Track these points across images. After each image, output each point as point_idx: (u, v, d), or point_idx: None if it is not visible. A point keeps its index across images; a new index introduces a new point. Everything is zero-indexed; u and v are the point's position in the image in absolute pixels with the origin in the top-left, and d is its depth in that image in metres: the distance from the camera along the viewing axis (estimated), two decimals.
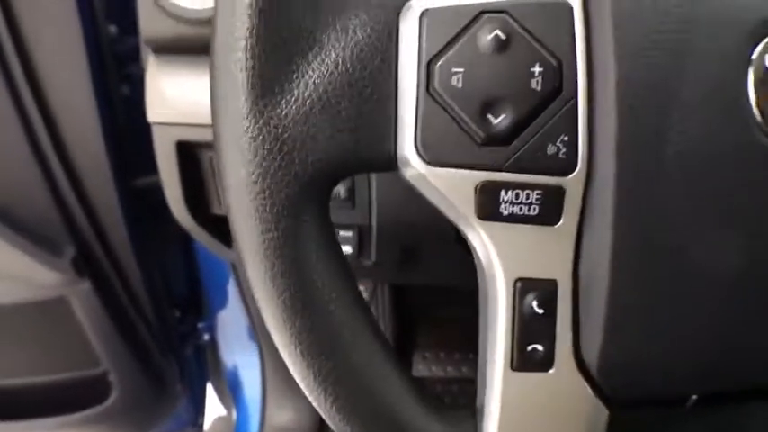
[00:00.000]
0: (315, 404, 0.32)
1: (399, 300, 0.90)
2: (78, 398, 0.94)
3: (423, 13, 0.28)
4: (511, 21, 0.27)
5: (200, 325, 1.00)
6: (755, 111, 0.28)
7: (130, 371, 0.92)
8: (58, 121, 0.74)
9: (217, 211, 0.64)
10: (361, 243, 0.58)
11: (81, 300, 0.85)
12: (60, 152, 0.75)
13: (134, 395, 0.95)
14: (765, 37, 0.28)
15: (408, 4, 0.28)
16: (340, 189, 0.56)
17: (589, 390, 0.31)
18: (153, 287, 0.88)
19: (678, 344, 0.31)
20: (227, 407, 1.07)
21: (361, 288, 0.82)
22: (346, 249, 0.58)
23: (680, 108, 0.28)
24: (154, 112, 0.57)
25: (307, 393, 0.32)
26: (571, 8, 0.28)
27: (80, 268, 0.82)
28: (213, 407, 1.08)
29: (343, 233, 0.58)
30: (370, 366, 0.31)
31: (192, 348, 1.01)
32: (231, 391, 1.05)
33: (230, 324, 1.00)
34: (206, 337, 1.01)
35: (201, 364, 1.05)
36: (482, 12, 0.28)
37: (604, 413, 0.32)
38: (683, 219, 0.29)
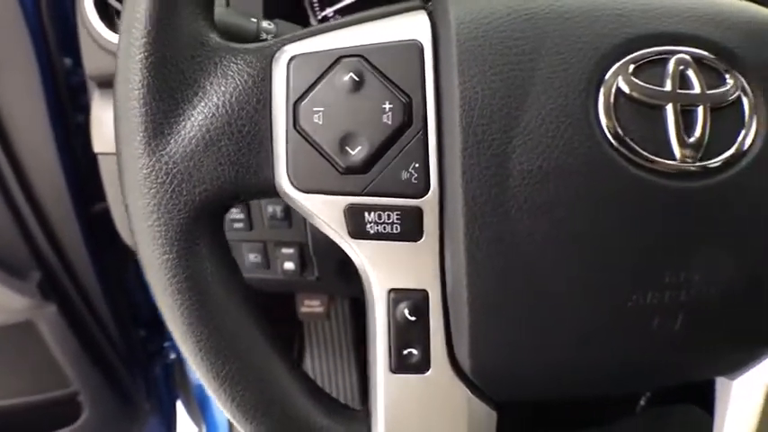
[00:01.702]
0: (219, 404, 0.35)
1: (358, 310, 0.94)
2: (50, 419, 0.96)
3: (291, 59, 0.32)
4: (364, 63, 0.31)
5: (166, 344, 1.03)
6: (606, 131, 0.32)
7: (99, 391, 0.95)
8: (19, 152, 0.77)
9: None
10: (302, 259, 0.61)
11: (48, 322, 0.87)
12: (22, 182, 0.78)
13: (104, 415, 0.97)
14: (618, 60, 0.32)
15: (281, 50, 0.32)
16: (276, 209, 0.59)
17: (467, 390, 0.34)
18: (116, 308, 0.91)
19: (538, 349, 0.33)
20: (197, 423, 1.09)
21: (317, 302, 0.85)
22: (289, 266, 0.61)
23: (523, 132, 0.31)
24: (98, 143, 0.60)
25: (211, 394, 0.35)
26: (422, 47, 0.32)
27: (46, 292, 0.85)
28: (183, 424, 1.10)
29: (285, 250, 0.61)
30: (267, 369, 0.35)
31: (161, 367, 1.04)
32: (200, 408, 1.08)
33: None
34: (173, 355, 1.04)
35: (170, 383, 1.07)
36: (340, 57, 0.31)
37: (491, 414, 0.35)
38: (531, 235, 0.32)
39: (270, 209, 0.57)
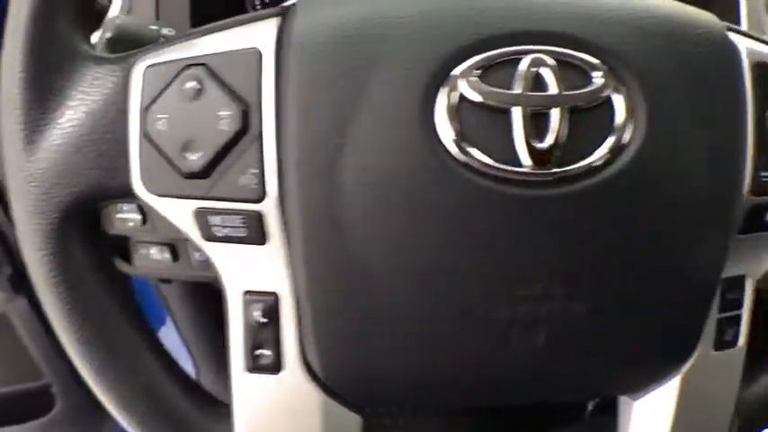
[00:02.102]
0: (96, 394, 0.36)
1: None
2: (23, 410, 0.99)
3: (146, 69, 0.33)
4: (206, 71, 0.32)
5: None
6: (445, 138, 0.31)
7: (71, 384, 0.97)
8: None
9: (111, 230, 0.68)
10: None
11: (19, 315, 0.90)
12: None
13: (77, 407, 0.99)
14: (462, 63, 0.31)
15: (140, 60, 0.33)
16: None
17: (322, 393, 0.35)
18: None
19: (385, 356, 0.33)
20: None
21: None
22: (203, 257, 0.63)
23: (357, 140, 0.31)
24: None
25: (87, 382, 0.36)
26: (261, 54, 0.32)
27: (16, 285, 0.87)
28: None
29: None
30: (138, 361, 0.36)
31: None
32: None
33: (170, 339, 1.04)
34: None
35: None
36: (186, 66, 0.32)
37: (353, 418, 0.36)
38: (368, 242, 0.32)
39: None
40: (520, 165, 0.31)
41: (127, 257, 0.49)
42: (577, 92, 0.31)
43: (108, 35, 0.37)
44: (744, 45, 0.35)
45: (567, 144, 0.31)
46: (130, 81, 0.33)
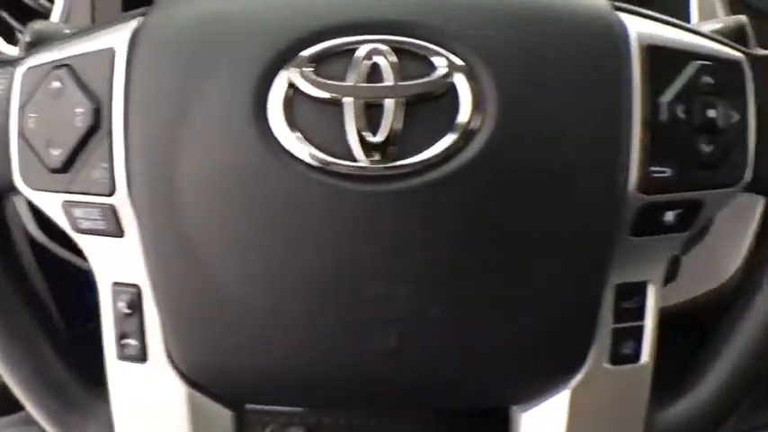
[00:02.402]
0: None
1: None
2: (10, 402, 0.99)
3: (26, 70, 0.34)
4: (68, 72, 0.33)
5: None
6: (278, 132, 0.30)
7: None
8: None
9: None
10: None
11: None
12: None
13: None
14: (296, 55, 0.30)
15: (24, 62, 0.34)
16: None
17: (186, 385, 0.34)
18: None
19: (237, 352, 0.33)
20: None
21: None
22: None
23: (193, 133, 0.31)
24: None
25: None
26: (114, 53, 0.32)
27: None
28: None
29: None
30: (32, 345, 0.37)
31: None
32: None
33: None
34: None
35: None
36: (54, 67, 0.33)
37: (224, 413, 0.35)
38: (206, 237, 0.31)
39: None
40: (353, 159, 0.30)
41: None
42: (415, 82, 0.29)
43: (27, 39, 0.37)
44: (636, 27, 0.32)
45: (405, 136, 0.29)
46: (13, 82, 0.34)
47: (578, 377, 0.34)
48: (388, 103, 0.29)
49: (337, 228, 0.30)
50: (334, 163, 0.30)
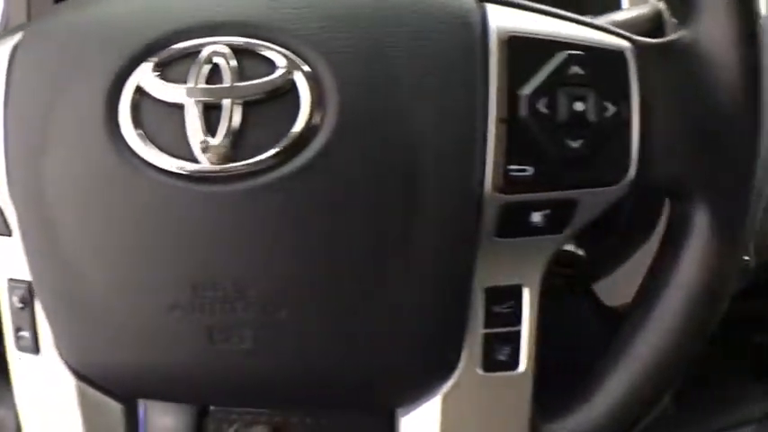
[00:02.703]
0: None
1: None
2: None
3: None
4: None
5: None
6: (128, 136, 0.30)
7: None
8: None
9: None
10: None
11: None
12: None
13: None
14: (143, 60, 0.30)
15: None
16: None
17: (74, 378, 0.35)
18: None
19: (101, 345, 0.34)
20: None
21: None
22: None
23: (54, 138, 0.32)
24: None
25: None
26: None
27: None
28: None
29: None
30: None
31: None
32: None
33: None
34: None
35: None
36: None
37: (113, 406, 0.36)
38: (71, 238, 0.32)
39: None
40: (194, 160, 0.30)
41: None
42: (251, 82, 0.30)
43: None
44: (497, 18, 0.31)
45: (246, 137, 0.30)
46: None
47: (449, 383, 0.33)
48: (226, 104, 0.29)
49: (182, 230, 0.31)
50: (180, 165, 0.30)
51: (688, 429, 0.77)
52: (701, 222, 0.33)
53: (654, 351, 0.34)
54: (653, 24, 0.44)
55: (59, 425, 0.36)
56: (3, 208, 0.34)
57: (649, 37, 0.39)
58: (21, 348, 0.36)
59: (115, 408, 0.36)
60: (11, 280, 0.36)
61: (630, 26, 0.40)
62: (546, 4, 0.71)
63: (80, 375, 0.35)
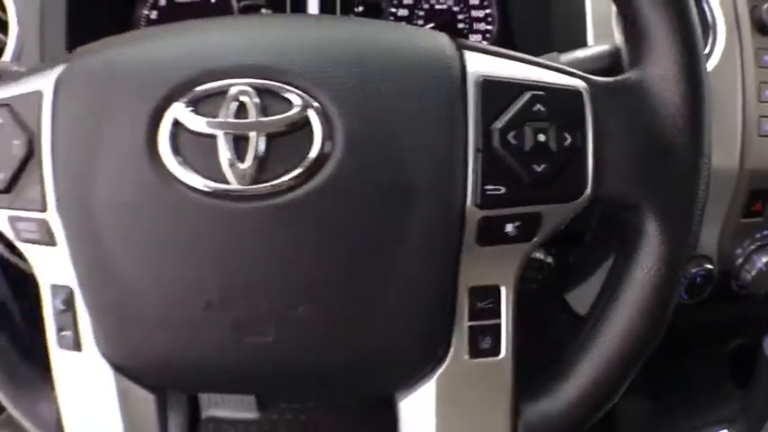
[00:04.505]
0: None
1: None
2: None
3: None
4: (8, 110, 0.38)
5: None
6: (168, 163, 0.36)
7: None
8: None
9: None
10: None
11: None
12: None
13: None
14: (180, 97, 0.36)
15: None
16: None
17: (113, 371, 0.40)
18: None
19: (144, 342, 0.39)
20: None
21: None
22: None
23: (102, 167, 0.37)
24: None
25: None
26: (42, 95, 0.38)
27: None
28: None
29: None
30: None
31: None
32: None
33: None
34: None
35: None
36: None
37: (146, 396, 0.41)
38: (117, 251, 0.37)
39: None
40: (225, 182, 0.35)
41: None
42: (272, 118, 0.35)
43: None
44: (474, 63, 0.37)
45: (268, 163, 0.35)
46: None
47: (441, 368, 0.39)
48: (252, 135, 0.35)
49: (215, 240, 0.36)
50: (212, 186, 0.36)
51: (663, 430, 0.82)
52: (650, 230, 0.39)
53: (613, 341, 0.40)
54: (611, 60, 0.49)
55: (98, 414, 0.41)
56: (50, 222, 0.38)
57: (608, 70, 0.45)
58: (63, 346, 0.40)
59: (148, 397, 0.41)
60: (54, 286, 0.40)
61: (591, 61, 0.47)
62: (519, 40, 0.77)
63: (117, 368, 0.40)
